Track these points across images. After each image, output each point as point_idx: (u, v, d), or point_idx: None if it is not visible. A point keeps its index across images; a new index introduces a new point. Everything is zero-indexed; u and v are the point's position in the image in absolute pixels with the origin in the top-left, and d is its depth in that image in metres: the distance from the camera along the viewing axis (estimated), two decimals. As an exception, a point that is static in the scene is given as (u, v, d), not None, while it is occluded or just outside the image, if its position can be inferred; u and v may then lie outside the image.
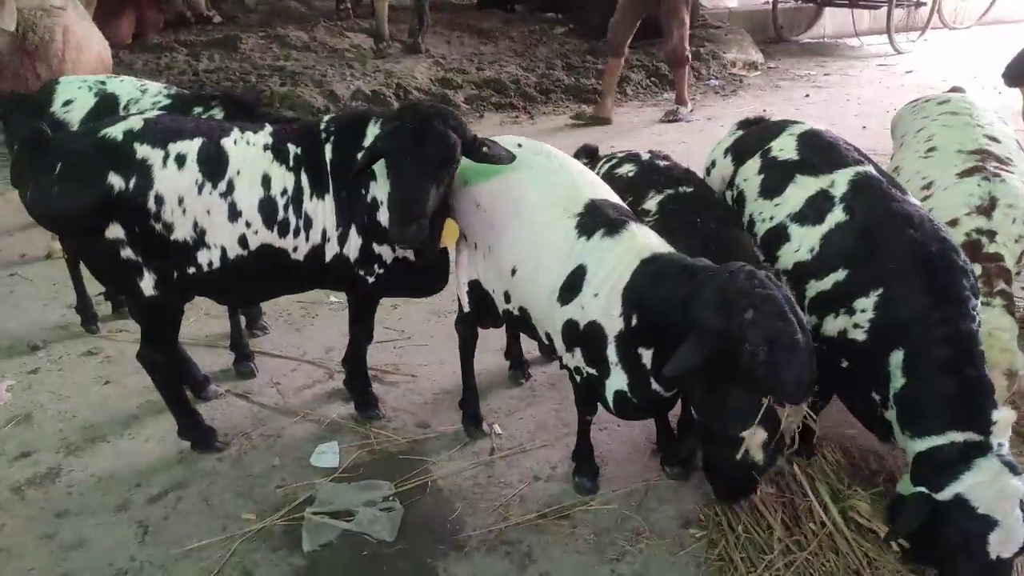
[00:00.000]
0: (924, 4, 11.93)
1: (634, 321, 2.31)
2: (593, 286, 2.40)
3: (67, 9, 4.56)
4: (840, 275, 2.43)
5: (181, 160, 2.61)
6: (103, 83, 3.44)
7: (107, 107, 3.35)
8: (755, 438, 2.20)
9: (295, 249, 2.77)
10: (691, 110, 8.04)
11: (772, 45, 11.47)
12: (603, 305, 2.37)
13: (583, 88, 8.79)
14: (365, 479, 2.84)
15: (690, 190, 2.88)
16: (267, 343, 3.79)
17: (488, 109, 8.29)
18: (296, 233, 2.75)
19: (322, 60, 8.94)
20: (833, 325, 2.44)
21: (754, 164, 2.85)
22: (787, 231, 2.63)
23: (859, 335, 2.37)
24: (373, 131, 2.78)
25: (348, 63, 8.87)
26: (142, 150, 2.58)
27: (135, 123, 2.64)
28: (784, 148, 2.81)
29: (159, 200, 2.57)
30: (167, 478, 2.88)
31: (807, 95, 8.91)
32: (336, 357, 3.66)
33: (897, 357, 2.27)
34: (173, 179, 2.59)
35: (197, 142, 2.65)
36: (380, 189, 2.73)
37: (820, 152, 2.73)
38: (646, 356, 2.32)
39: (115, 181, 2.53)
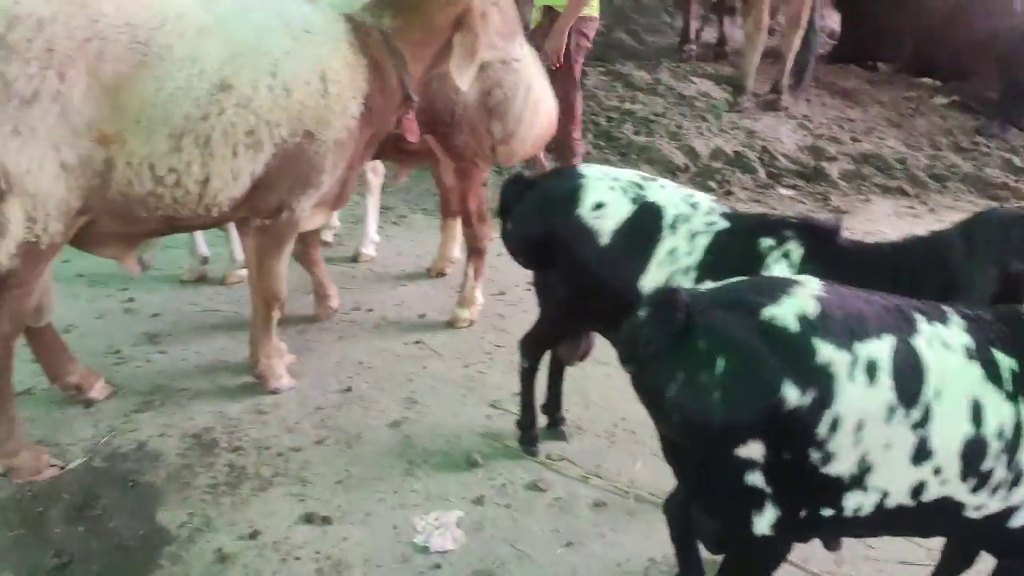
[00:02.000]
0: None
1: None
2: None
3: (526, 62, 4.08)
4: None
5: (872, 370, 1.81)
6: (640, 187, 2.78)
7: (646, 220, 2.68)
8: None
9: (978, 508, 1.89)
10: None
11: None
12: None
13: (987, 180, 7.27)
14: None
15: None
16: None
17: (872, 191, 7.04)
18: (995, 490, 1.86)
19: (671, 107, 8.19)
20: None
21: None
22: None
23: None
24: None
25: (699, 114, 8.06)
26: (824, 350, 1.80)
27: (807, 304, 1.87)
28: None
29: (835, 424, 1.79)
30: None
31: None
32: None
33: None
34: (859, 397, 1.79)
35: (887, 342, 1.84)
36: None
37: None
38: None
39: (789, 392, 1.78)
